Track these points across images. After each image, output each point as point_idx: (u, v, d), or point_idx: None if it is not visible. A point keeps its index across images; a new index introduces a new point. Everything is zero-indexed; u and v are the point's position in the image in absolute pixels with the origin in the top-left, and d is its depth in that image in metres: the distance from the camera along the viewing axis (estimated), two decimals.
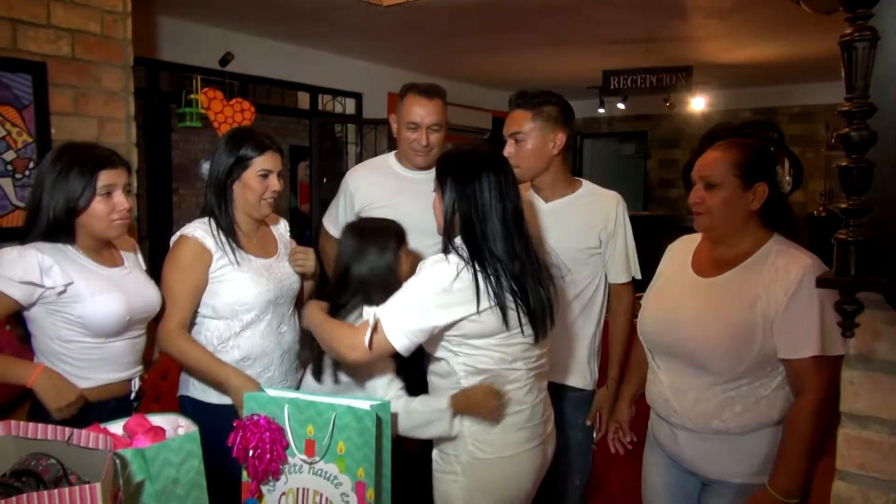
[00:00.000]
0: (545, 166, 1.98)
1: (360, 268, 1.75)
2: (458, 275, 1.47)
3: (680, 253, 1.76)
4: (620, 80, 5.13)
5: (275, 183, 1.89)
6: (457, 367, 1.56)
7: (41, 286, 1.57)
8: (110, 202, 1.64)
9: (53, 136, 2.53)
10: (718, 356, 1.51)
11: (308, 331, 1.70)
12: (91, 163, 1.63)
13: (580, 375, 2.02)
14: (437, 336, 1.53)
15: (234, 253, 1.85)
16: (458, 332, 1.52)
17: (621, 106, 5.97)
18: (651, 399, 1.71)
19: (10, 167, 2.43)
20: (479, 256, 1.50)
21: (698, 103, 6.30)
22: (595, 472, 2.18)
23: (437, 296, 1.47)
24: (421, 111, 2.09)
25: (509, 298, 1.50)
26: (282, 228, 2.10)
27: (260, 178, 1.86)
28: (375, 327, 1.48)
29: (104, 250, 1.73)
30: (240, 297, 1.84)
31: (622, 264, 2.00)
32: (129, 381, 1.76)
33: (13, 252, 1.57)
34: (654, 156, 8.06)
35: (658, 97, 5.86)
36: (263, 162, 1.86)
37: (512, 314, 1.51)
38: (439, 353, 1.59)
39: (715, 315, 1.54)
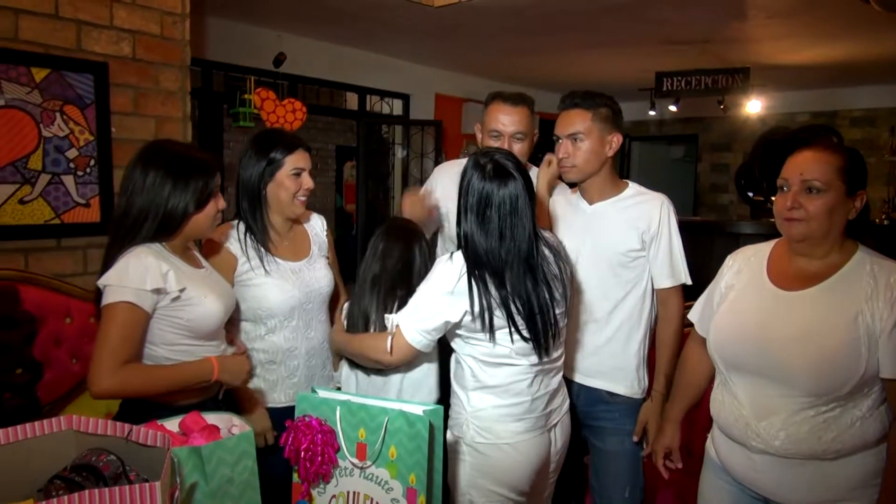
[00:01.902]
0: (598, 168, 1.93)
1: (383, 264, 1.82)
2: (460, 276, 1.59)
3: (748, 264, 1.62)
4: (674, 82, 4.99)
5: (308, 181, 1.89)
6: (464, 357, 1.68)
7: (167, 292, 1.54)
8: (217, 202, 1.66)
9: (114, 134, 2.59)
10: (820, 378, 1.40)
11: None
12: (211, 164, 1.65)
13: (629, 383, 1.95)
14: (451, 329, 1.66)
15: (260, 258, 1.86)
16: (461, 327, 1.63)
17: (673, 108, 5.82)
18: (723, 421, 1.57)
19: (72, 165, 2.50)
20: (472, 264, 1.60)
21: (754, 106, 6.10)
22: (647, 482, 2.09)
23: (444, 295, 1.59)
24: (504, 119, 2.01)
25: (499, 310, 1.58)
26: (317, 227, 2.07)
27: (293, 177, 1.86)
28: (396, 332, 1.63)
29: (188, 252, 1.71)
30: (262, 303, 1.85)
31: (666, 267, 1.91)
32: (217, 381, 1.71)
33: (132, 261, 1.51)
34: (705, 159, 7.85)
35: (711, 99, 5.70)
36: (295, 160, 1.86)
37: (498, 321, 1.59)
38: (453, 344, 1.71)
39: (814, 334, 1.42)
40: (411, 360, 1.72)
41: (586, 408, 1.97)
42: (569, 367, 1.97)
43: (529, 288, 1.61)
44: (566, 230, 1.99)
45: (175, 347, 1.60)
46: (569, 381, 1.97)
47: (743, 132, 7.30)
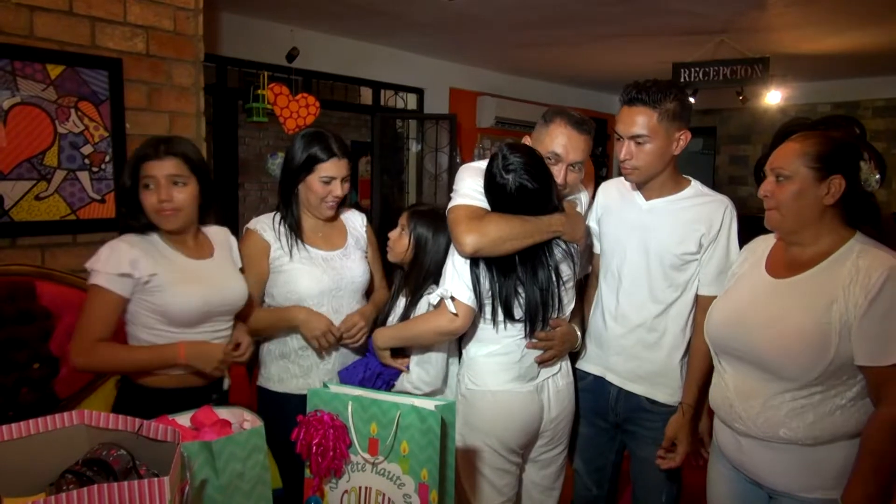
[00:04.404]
0: (663, 168, 1.81)
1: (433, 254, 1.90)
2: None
3: (754, 253, 1.67)
4: (692, 73, 4.89)
5: (337, 189, 1.94)
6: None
7: (134, 276, 1.64)
8: (154, 194, 1.68)
9: (128, 130, 2.60)
10: (789, 362, 1.43)
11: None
12: (136, 156, 1.71)
13: (670, 390, 1.87)
14: None
15: (290, 246, 1.94)
16: None
17: (691, 100, 5.75)
18: (715, 403, 1.63)
19: (87, 161, 2.51)
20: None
21: (774, 97, 5.99)
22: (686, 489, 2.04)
23: (466, 262, 1.74)
24: (568, 144, 1.78)
25: (486, 289, 1.71)
26: (357, 222, 2.12)
27: (322, 184, 1.92)
28: (452, 299, 1.70)
29: (190, 241, 1.79)
30: (293, 288, 1.92)
31: (716, 275, 1.80)
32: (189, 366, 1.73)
33: (106, 248, 1.66)
34: (724, 152, 7.75)
35: (729, 91, 5.60)
36: (327, 168, 1.91)
37: (485, 303, 1.74)
38: None
39: (786, 318, 1.45)
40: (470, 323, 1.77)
41: (625, 413, 1.93)
42: (608, 368, 1.94)
43: (533, 279, 1.73)
44: (616, 224, 1.94)
45: (153, 331, 1.70)
46: (606, 383, 1.95)
47: (762, 123, 7.20)
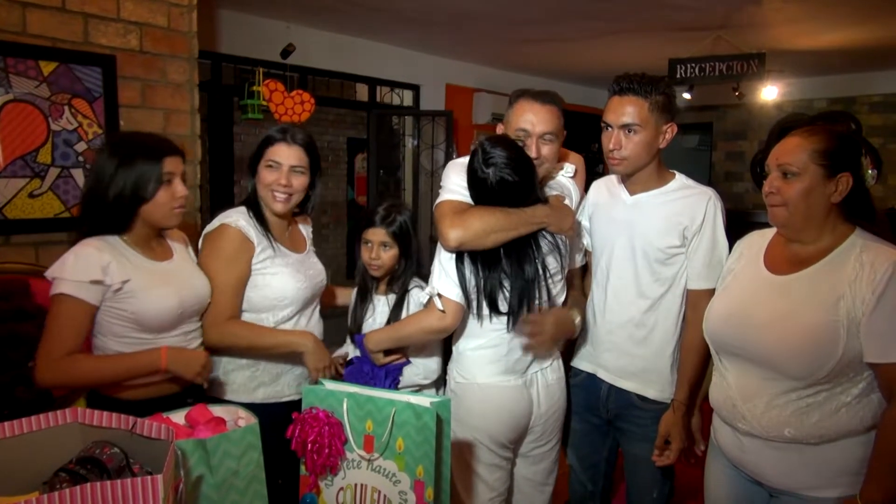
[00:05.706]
0: (649, 161, 1.84)
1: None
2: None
3: (751, 249, 1.65)
4: (687, 69, 4.86)
5: (283, 177, 1.81)
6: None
7: (107, 284, 1.55)
8: (171, 190, 1.63)
9: (122, 127, 2.59)
10: (796, 360, 1.41)
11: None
12: (156, 150, 1.62)
13: (661, 386, 1.87)
14: None
15: (273, 247, 1.84)
16: None
17: (687, 96, 5.73)
18: (716, 402, 1.62)
19: (81, 158, 2.50)
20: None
21: (770, 92, 5.98)
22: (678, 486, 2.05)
23: (452, 258, 1.74)
24: (533, 118, 1.82)
25: (471, 283, 1.71)
26: (306, 231, 2.08)
27: (268, 169, 1.82)
28: (439, 296, 1.71)
29: (154, 243, 1.72)
30: (280, 292, 1.83)
31: (703, 268, 1.80)
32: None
33: (71, 255, 1.55)
34: (720, 148, 7.75)
35: (726, 87, 5.60)
36: (272, 152, 1.83)
37: (471, 297, 1.72)
38: None
39: (793, 316, 1.43)
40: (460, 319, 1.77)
41: (616, 410, 1.93)
42: (599, 365, 1.95)
43: (519, 271, 1.73)
44: (603, 220, 1.95)
45: (124, 339, 1.61)
46: (598, 380, 1.95)
47: (759, 119, 7.19)
